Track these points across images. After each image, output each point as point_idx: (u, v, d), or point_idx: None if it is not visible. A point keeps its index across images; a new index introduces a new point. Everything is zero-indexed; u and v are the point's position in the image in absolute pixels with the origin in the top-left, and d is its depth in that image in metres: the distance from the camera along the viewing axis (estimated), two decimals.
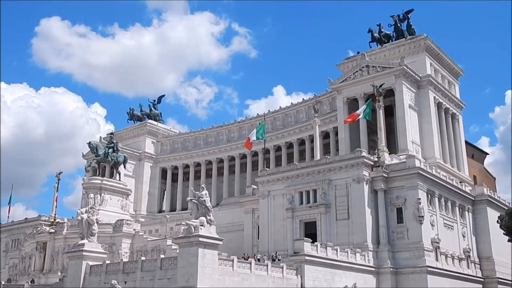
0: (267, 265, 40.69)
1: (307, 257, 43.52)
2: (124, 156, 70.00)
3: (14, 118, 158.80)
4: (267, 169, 66.03)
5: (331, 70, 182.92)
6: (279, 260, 48.84)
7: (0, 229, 79.78)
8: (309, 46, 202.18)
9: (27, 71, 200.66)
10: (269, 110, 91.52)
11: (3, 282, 46.11)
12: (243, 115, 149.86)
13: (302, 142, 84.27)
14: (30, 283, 46.90)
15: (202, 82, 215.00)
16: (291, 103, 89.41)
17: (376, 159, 56.90)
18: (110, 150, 66.85)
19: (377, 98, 63.71)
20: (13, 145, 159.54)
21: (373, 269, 51.74)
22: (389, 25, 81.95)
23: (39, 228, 60.54)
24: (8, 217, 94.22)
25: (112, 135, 76.18)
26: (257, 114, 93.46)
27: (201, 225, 34.89)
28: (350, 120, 64.07)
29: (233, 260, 37.83)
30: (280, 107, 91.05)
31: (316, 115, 71.20)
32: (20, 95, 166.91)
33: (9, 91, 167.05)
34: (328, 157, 62.06)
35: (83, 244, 43.18)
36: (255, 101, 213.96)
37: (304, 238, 46.93)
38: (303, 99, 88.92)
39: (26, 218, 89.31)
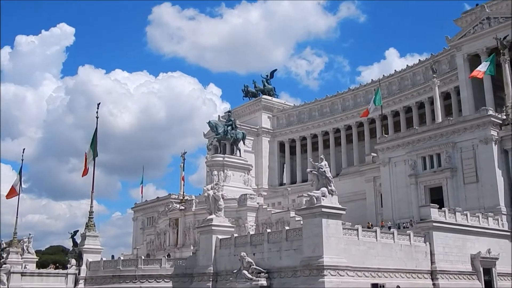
0: (393, 233, 39.98)
1: (434, 224, 42.01)
2: (243, 133, 71.79)
3: (138, 104, 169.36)
4: (386, 135, 64.43)
5: (448, 27, 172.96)
6: (405, 227, 47.84)
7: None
8: (420, 4, 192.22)
9: (144, 58, 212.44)
10: (383, 75, 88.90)
11: (142, 257, 49.51)
12: (356, 83, 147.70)
13: (421, 105, 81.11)
14: (166, 257, 50.03)
15: (312, 52, 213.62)
16: (407, 65, 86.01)
17: (504, 117, 53.47)
18: (229, 127, 68.79)
19: (501, 51, 59.37)
20: (138, 130, 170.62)
21: (509, 233, 48.95)
22: None
23: (170, 206, 64.41)
24: (142, 197, 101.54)
25: (229, 113, 78.30)
26: (371, 80, 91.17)
27: (323, 196, 34.94)
28: (480, 75, 59.73)
29: (357, 229, 37.56)
30: (395, 70, 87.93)
31: (434, 75, 67.87)
32: (141, 82, 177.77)
33: (131, 80, 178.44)
34: (451, 118, 59.31)
35: (211, 219, 45.00)
36: (367, 67, 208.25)
37: (430, 204, 45.43)
38: (419, 60, 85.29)
39: (157, 197, 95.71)
